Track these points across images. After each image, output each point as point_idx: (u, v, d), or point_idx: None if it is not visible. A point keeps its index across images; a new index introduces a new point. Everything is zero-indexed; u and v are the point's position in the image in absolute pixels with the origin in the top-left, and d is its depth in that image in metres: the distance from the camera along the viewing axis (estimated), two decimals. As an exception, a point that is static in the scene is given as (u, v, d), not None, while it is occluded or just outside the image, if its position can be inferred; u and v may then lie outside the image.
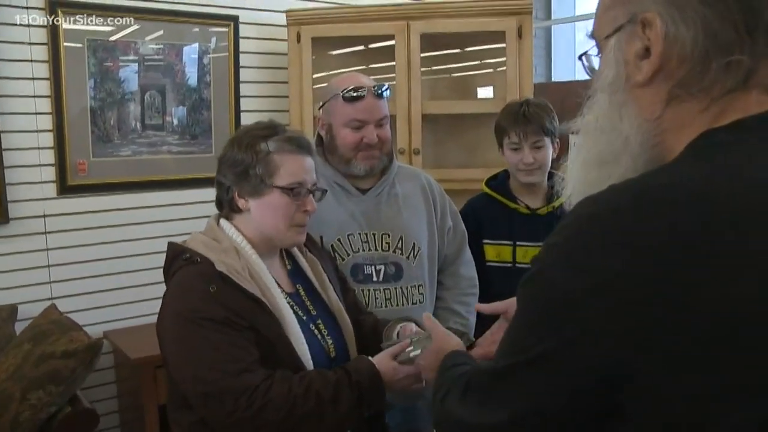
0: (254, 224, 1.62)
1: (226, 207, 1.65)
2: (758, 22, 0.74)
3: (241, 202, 1.61)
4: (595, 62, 0.87)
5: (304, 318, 1.64)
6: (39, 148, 2.99)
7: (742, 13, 0.74)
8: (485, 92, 3.63)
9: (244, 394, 1.42)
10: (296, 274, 1.73)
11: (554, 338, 0.72)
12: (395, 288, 2.00)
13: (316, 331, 1.65)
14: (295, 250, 1.75)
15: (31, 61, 2.94)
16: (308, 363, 1.55)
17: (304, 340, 1.57)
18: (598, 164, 0.83)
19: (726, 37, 0.74)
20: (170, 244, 1.64)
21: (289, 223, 1.61)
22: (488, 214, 2.28)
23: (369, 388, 1.49)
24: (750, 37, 0.74)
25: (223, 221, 1.65)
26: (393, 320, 1.76)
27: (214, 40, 3.36)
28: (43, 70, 2.96)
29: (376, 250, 2.00)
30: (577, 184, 0.86)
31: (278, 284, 1.62)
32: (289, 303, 1.60)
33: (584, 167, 0.85)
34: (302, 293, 1.69)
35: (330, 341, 1.66)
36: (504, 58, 3.28)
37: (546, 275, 0.74)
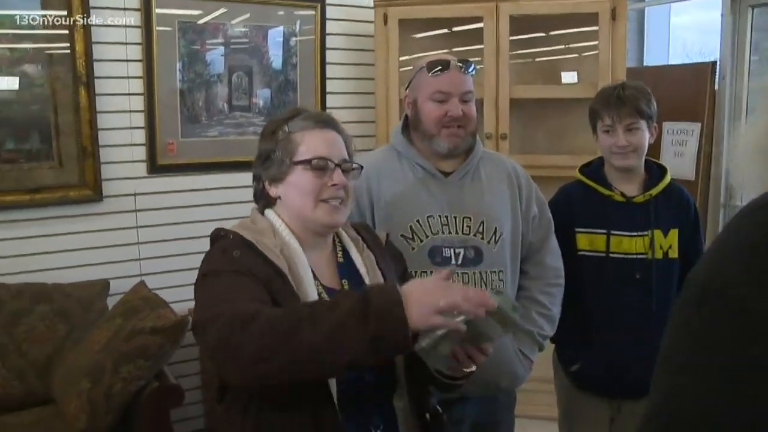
0: (288, 209, 1.55)
1: (262, 199, 1.60)
2: None
3: (272, 190, 1.55)
4: None
5: None
6: (131, 128, 3.08)
7: None
8: (569, 77, 3.51)
9: (233, 319, 1.25)
10: (347, 269, 1.59)
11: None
12: (474, 272, 1.94)
13: None
14: (349, 243, 1.62)
15: (126, 43, 3.02)
16: None
17: None
18: None
19: None
20: (215, 229, 1.57)
21: (316, 197, 1.49)
22: (582, 201, 2.20)
23: (378, 294, 1.21)
24: None
25: (267, 210, 1.59)
26: None
27: (298, 22, 3.38)
28: (137, 52, 3.04)
29: (456, 233, 1.95)
30: (757, 151, 0.75)
31: (315, 275, 1.50)
32: (319, 293, 1.47)
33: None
34: (346, 289, 1.54)
35: None
36: (591, 42, 3.18)
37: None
